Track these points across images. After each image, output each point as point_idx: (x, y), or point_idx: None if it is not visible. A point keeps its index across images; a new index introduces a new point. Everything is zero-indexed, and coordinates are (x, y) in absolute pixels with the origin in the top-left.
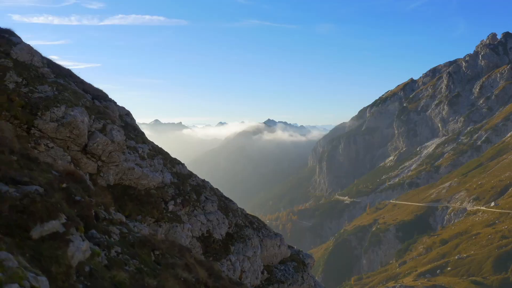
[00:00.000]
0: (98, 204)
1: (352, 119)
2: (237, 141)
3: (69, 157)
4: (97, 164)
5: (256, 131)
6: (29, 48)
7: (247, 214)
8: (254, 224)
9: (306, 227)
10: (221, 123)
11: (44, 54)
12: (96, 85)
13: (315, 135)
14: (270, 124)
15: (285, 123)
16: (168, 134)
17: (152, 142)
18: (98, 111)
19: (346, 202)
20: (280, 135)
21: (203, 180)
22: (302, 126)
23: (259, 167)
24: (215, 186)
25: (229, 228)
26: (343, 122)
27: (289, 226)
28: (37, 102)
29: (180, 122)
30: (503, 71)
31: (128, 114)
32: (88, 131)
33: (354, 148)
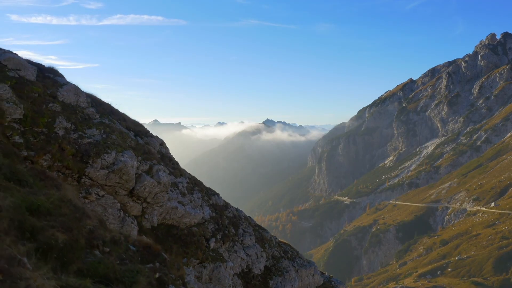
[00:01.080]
0: (176, 278)
1: (352, 119)
2: (236, 141)
3: (118, 204)
4: (142, 206)
5: (255, 131)
6: (75, 89)
7: (280, 242)
8: (288, 253)
9: (306, 227)
10: (220, 123)
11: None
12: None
13: (314, 135)
14: (269, 124)
15: (284, 123)
16: (168, 134)
17: (188, 173)
18: (143, 151)
19: (346, 202)
20: (279, 135)
21: (237, 209)
22: (301, 126)
23: (258, 167)
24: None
25: (266, 261)
26: (343, 122)
27: (289, 226)
28: (87, 148)
29: (179, 122)
30: (502, 71)
31: (162, 144)
32: (135, 173)
33: (353, 148)
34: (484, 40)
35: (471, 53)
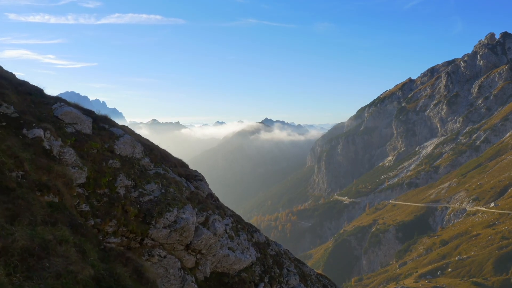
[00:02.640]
0: None
1: (351, 119)
2: (235, 141)
3: (179, 263)
4: (196, 257)
5: (254, 130)
6: (131, 141)
7: (318, 275)
8: (327, 287)
9: (305, 227)
10: (218, 123)
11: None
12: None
13: (313, 134)
14: (267, 123)
15: (282, 122)
16: (167, 134)
17: (229, 209)
18: (198, 200)
19: (345, 202)
20: (278, 134)
21: (276, 244)
22: (299, 125)
23: (257, 166)
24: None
25: None
26: (342, 122)
27: (288, 226)
28: (149, 208)
29: (178, 122)
30: (501, 71)
31: (201, 179)
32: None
33: (352, 148)
34: (483, 40)
35: (470, 52)
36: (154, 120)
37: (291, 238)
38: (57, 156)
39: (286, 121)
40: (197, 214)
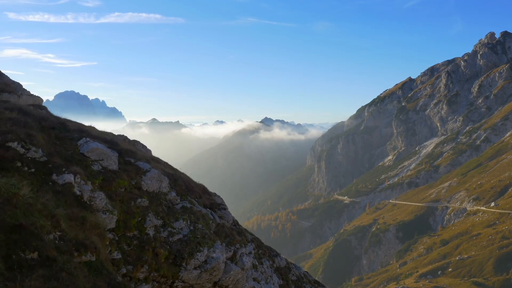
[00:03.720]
0: None
1: (351, 118)
2: (235, 140)
3: None
4: None
5: (254, 130)
6: (158, 175)
7: None
8: None
9: (305, 227)
10: (218, 122)
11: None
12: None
13: (313, 133)
14: (267, 122)
15: (282, 121)
16: (167, 133)
17: (250, 233)
18: (225, 234)
19: (345, 202)
20: (278, 133)
21: (296, 266)
22: (299, 124)
23: (257, 166)
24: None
25: None
26: (342, 121)
27: (288, 226)
28: (179, 249)
29: (178, 121)
30: (501, 71)
31: (225, 208)
32: None
33: (352, 148)
34: (483, 39)
35: (470, 52)
36: (154, 119)
37: (291, 237)
38: (88, 202)
39: (285, 120)
40: (225, 249)
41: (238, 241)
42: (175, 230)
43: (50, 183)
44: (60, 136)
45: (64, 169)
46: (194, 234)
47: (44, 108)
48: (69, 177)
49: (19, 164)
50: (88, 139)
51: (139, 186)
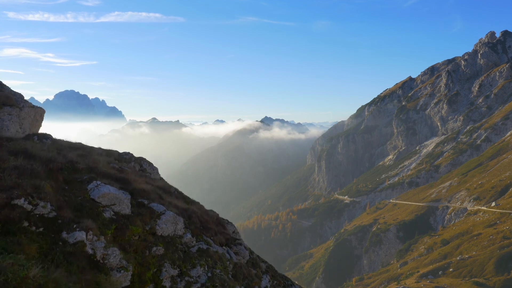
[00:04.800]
0: None
1: (351, 117)
2: (235, 140)
3: None
4: None
5: (254, 129)
6: (173, 217)
7: None
8: None
9: (306, 226)
10: (218, 121)
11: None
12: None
13: (313, 133)
14: (267, 122)
15: (282, 120)
16: (167, 133)
17: (264, 261)
18: (243, 275)
19: (346, 201)
20: (278, 132)
21: None
22: (299, 123)
23: (257, 165)
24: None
25: None
26: (342, 121)
27: (289, 226)
28: None
29: (178, 120)
30: (502, 70)
31: (241, 243)
32: None
33: (352, 147)
34: (483, 38)
35: (470, 51)
36: (154, 118)
37: (292, 237)
38: (101, 261)
39: (285, 120)
40: None
41: (256, 282)
42: (192, 279)
43: (60, 243)
44: (69, 180)
45: (75, 225)
46: (212, 282)
47: (49, 136)
48: (80, 235)
49: (26, 224)
50: (98, 182)
51: (154, 231)
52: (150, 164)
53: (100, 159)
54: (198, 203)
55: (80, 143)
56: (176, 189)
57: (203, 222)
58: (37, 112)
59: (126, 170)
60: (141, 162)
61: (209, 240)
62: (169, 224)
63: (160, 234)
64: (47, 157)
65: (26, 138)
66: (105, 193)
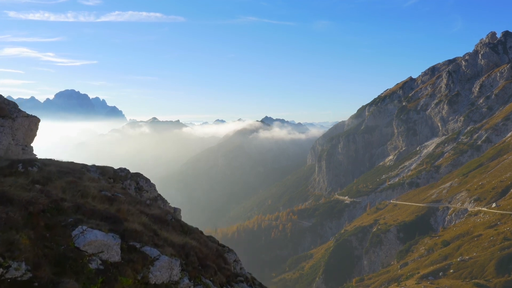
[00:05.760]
0: None
1: (351, 117)
2: (235, 140)
3: None
4: None
5: (254, 129)
6: (168, 263)
7: None
8: None
9: (306, 227)
10: (218, 121)
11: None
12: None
13: (314, 132)
14: (267, 121)
15: (282, 120)
16: (167, 133)
17: None
18: None
19: (346, 202)
20: (278, 132)
21: None
22: (299, 123)
23: (257, 165)
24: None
25: None
26: (342, 121)
27: (289, 226)
28: None
29: (178, 120)
30: (502, 70)
31: (239, 273)
32: None
33: (353, 147)
34: (484, 39)
35: (471, 51)
36: (154, 118)
37: (292, 237)
38: None
39: (286, 119)
40: None
41: None
42: None
43: None
44: (51, 224)
45: None
46: None
47: (36, 163)
48: None
49: None
50: (84, 227)
51: (147, 280)
52: (147, 180)
53: (91, 186)
54: (196, 230)
55: (71, 163)
56: (172, 216)
57: (201, 258)
58: (31, 122)
59: (119, 197)
60: (138, 179)
61: (208, 282)
62: (164, 270)
63: (153, 282)
64: (27, 199)
65: (10, 167)
66: (91, 240)
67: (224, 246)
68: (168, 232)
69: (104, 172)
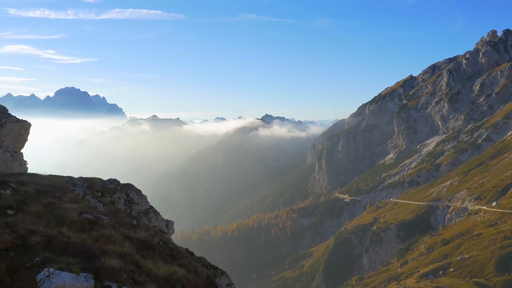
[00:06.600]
0: None
1: (351, 115)
2: (235, 137)
3: None
4: None
5: (254, 127)
6: None
7: None
8: None
9: (306, 225)
10: (219, 118)
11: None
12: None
13: (313, 130)
14: (267, 119)
15: (282, 118)
16: (167, 130)
17: None
18: None
19: (346, 200)
20: (278, 130)
21: None
22: (299, 121)
23: (257, 163)
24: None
25: None
26: (342, 119)
27: (289, 224)
28: None
29: (178, 118)
30: (503, 69)
31: None
32: None
33: (353, 145)
34: (485, 37)
35: (472, 50)
36: (155, 116)
37: (292, 236)
38: None
39: (286, 117)
40: None
41: None
42: None
43: None
44: (14, 267)
45: None
46: None
47: (10, 185)
48: None
49: None
50: (51, 270)
51: None
52: (138, 192)
53: (71, 209)
54: (186, 253)
55: (55, 178)
56: (160, 238)
57: None
58: (21, 127)
59: (102, 220)
60: (128, 190)
61: None
62: None
63: None
64: None
65: None
66: (58, 286)
67: (216, 269)
68: (154, 260)
69: (91, 185)
